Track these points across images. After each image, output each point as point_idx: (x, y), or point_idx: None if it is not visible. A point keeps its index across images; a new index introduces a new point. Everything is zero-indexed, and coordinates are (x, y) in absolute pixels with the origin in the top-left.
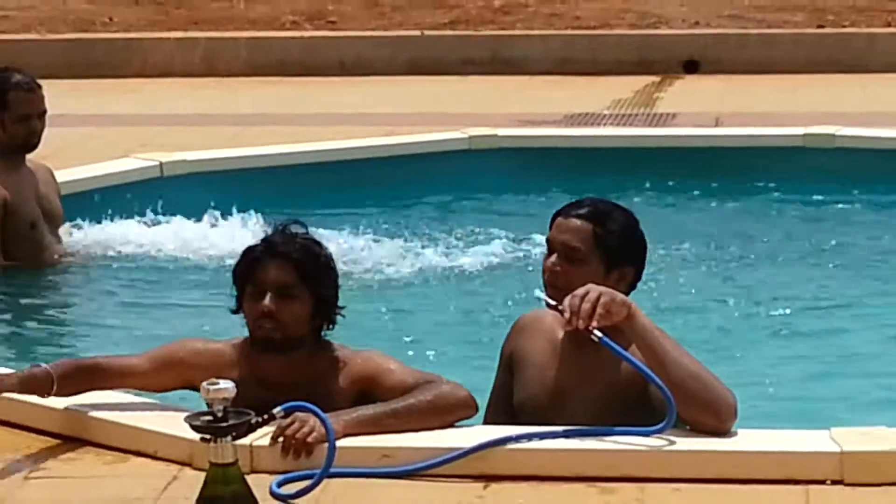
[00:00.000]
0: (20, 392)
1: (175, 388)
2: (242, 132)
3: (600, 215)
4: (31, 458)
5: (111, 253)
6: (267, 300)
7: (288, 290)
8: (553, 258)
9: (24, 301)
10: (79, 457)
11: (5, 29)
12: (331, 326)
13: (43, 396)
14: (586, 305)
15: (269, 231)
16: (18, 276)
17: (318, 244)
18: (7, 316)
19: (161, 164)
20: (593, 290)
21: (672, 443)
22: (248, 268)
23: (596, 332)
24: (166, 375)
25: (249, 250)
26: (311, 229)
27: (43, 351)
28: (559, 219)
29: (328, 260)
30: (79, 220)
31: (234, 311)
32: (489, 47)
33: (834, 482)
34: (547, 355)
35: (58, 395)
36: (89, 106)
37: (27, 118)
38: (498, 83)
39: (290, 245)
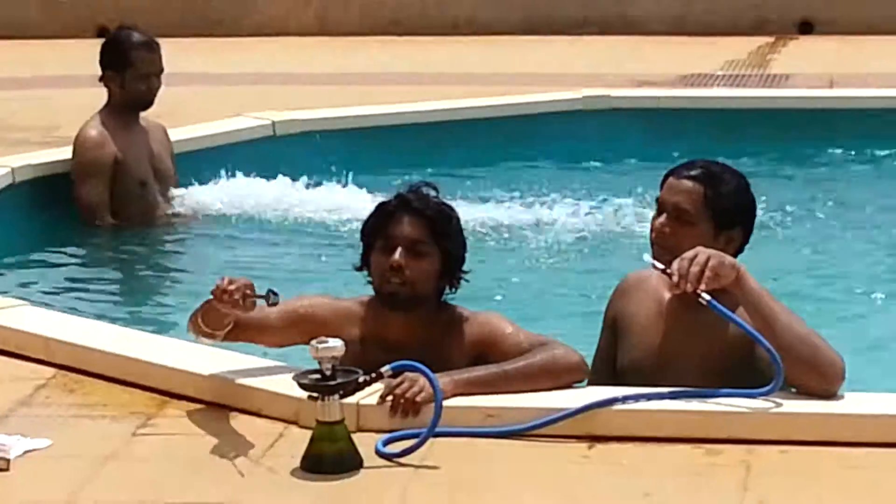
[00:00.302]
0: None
1: (298, 343)
2: (356, 92)
3: (712, 177)
4: (138, 414)
5: (221, 212)
6: (397, 255)
7: (419, 247)
8: (662, 218)
9: (132, 260)
10: (186, 414)
11: None
12: (454, 290)
13: (214, 330)
14: (695, 269)
15: (405, 188)
16: (126, 234)
17: (451, 206)
18: (115, 274)
19: (273, 122)
20: (702, 252)
21: (779, 405)
22: (380, 222)
23: (704, 295)
24: (293, 331)
25: (382, 205)
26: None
27: (150, 310)
28: (670, 179)
29: (459, 222)
30: (191, 179)
31: (358, 268)
32: (606, 7)
33: None
34: (652, 317)
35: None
36: (203, 65)
37: (147, 76)
38: (613, 43)
39: (424, 202)
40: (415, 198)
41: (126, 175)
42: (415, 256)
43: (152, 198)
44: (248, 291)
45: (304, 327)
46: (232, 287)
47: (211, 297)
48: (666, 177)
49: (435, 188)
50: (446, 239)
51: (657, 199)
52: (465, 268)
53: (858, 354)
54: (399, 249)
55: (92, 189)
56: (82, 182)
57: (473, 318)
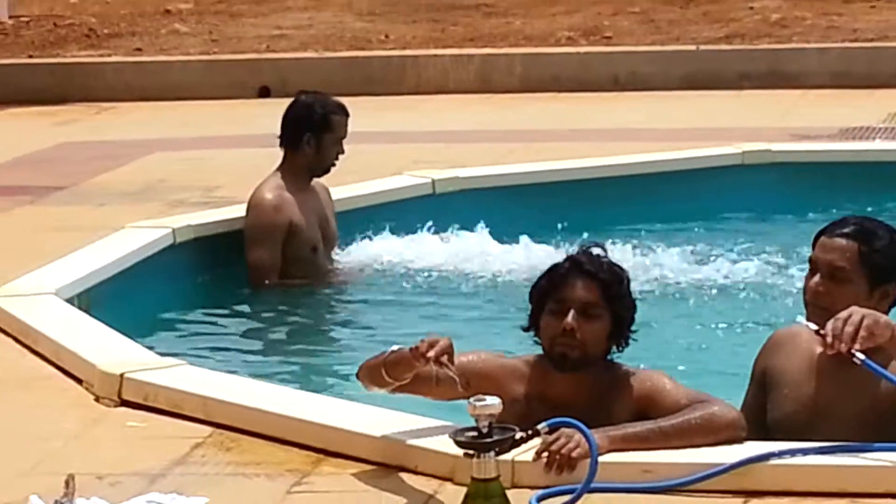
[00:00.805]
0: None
1: (464, 398)
2: (516, 149)
3: (865, 233)
4: (293, 472)
5: (382, 270)
6: (570, 317)
7: (591, 310)
8: (817, 278)
9: (292, 320)
10: (341, 472)
11: (283, 48)
12: (622, 349)
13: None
14: (849, 328)
15: (573, 251)
16: (288, 295)
17: (621, 268)
18: (275, 335)
19: (433, 181)
20: (856, 312)
21: None
22: (552, 284)
23: (858, 354)
24: (456, 387)
25: (554, 267)
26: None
27: (309, 369)
28: (823, 238)
29: (629, 284)
30: (353, 237)
31: (526, 329)
32: (765, 61)
33: None
34: (804, 373)
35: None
36: (364, 123)
37: (340, 141)
38: (774, 97)
39: (596, 265)
40: (586, 260)
41: (299, 240)
42: (587, 319)
43: (321, 261)
44: (448, 356)
45: (472, 383)
46: (434, 350)
47: (400, 348)
48: (818, 236)
49: (604, 248)
50: (617, 301)
51: (809, 259)
52: (633, 328)
53: None
54: (572, 312)
55: (265, 252)
56: (256, 244)
57: (636, 376)
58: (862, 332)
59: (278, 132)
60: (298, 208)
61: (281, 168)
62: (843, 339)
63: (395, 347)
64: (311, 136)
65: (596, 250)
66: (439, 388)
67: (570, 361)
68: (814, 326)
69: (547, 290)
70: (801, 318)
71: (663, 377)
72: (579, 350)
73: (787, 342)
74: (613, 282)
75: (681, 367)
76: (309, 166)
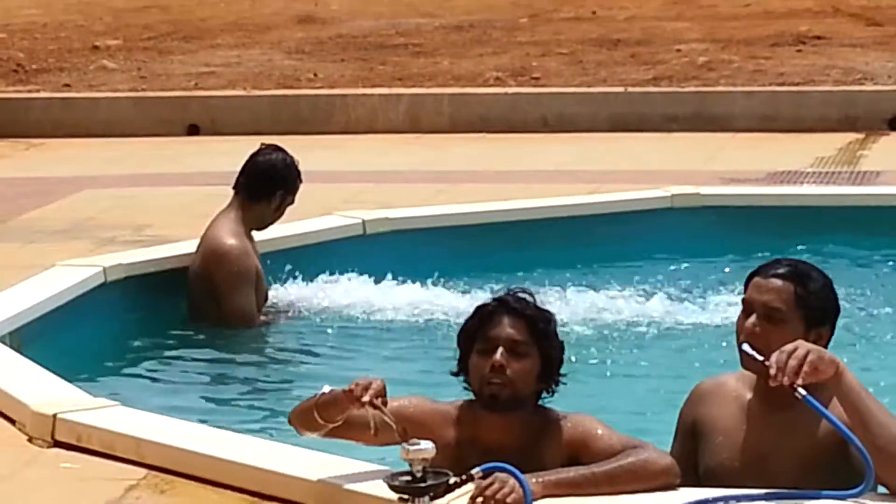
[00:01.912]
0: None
1: (395, 443)
2: (445, 189)
3: (801, 275)
4: None
5: (311, 311)
6: (498, 355)
7: (520, 347)
8: (752, 318)
9: (223, 361)
10: None
11: (212, 85)
12: (552, 393)
13: (327, 423)
14: (793, 362)
15: (502, 292)
16: (226, 335)
17: (548, 310)
18: (208, 376)
19: (364, 221)
20: (802, 346)
21: None
22: (480, 323)
23: (800, 390)
24: (390, 432)
25: (481, 307)
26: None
27: (241, 411)
28: (757, 279)
29: (556, 325)
30: (281, 278)
31: (455, 374)
32: (693, 103)
33: None
34: (736, 420)
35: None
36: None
37: (291, 204)
38: (701, 140)
39: (523, 304)
40: (513, 300)
41: (261, 286)
42: (516, 357)
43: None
44: (381, 398)
45: (412, 425)
46: (369, 392)
47: (332, 389)
48: (751, 276)
49: (530, 293)
50: (545, 340)
51: (743, 300)
52: (561, 371)
53: None
54: (500, 350)
55: (247, 297)
56: (236, 290)
57: (567, 420)
58: (805, 368)
59: (238, 176)
60: (255, 254)
61: (236, 214)
62: (787, 371)
63: (326, 389)
64: (286, 193)
65: (522, 294)
66: (373, 434)
67: (500, 401)
68: (760, 357)
69: (475, 331)
70: (748, 346)
71: (595, 422)
72: (509, 389)
73: (714, 391)
74: (541, 320)
75: (612, 411)
76: (262, 220)
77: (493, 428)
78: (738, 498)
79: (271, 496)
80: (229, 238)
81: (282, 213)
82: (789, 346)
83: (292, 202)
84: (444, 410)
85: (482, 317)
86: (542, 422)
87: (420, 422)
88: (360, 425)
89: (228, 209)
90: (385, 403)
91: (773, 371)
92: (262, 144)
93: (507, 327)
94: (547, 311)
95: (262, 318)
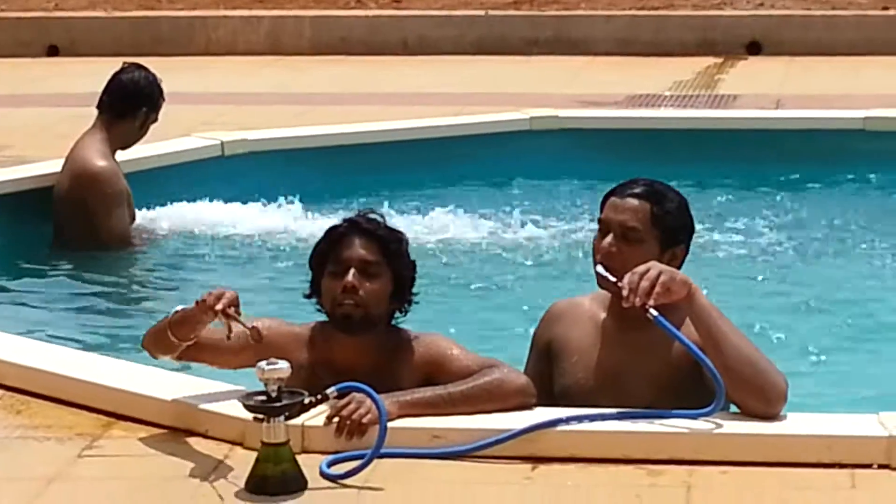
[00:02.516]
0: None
1: (249, 366)
2: (305, 112)
3: (657, 195)
4: (83, 435)
5: (170, 233)
6: (350, 276)
7: (371, 268)
8: (609, 238)
9: (83, 282)
10: (132, 435)
11: (72, 6)
12: (404, 313)
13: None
14: (645, 283)
15: (354, 214)
16: (77, 257)
17: (399, 230)
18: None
19: (222, 143)
20: (654, 267)
21: (720, 426)
22: (331, 245)
23: (651, 310)
24: (244, 355)
25: (332, 229)
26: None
27: (99, 332)
28: (613, 199)
29: (407, 245)
30: (141, 201)
31: (308, 296)
32: (553, 27)
33: (881, 466)
34: (591, 339)
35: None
36: None
37: (154, 122)
38: (561, 63)
39: (374, 224)
40: (364, 220)
41: (130, 206)
42: (367, 277)
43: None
44: (235, 308)
45: (255, 350)
46: (222, 301)
47: (184, 308)
48: (607, 196)
49: (381, 215)
50: (397, 260)
51: (599, 220)
52: (413, 290)
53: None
54: (352, 271)
55: (121, 218)
56: (110, 211)
57: (420, 341)
58: (657, 288)
59: (101, 95)
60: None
61: (102, 135)
62: (639, 292)
63: (179, 308)
64: (150, 110)
65: (373, 215)
66: (221, 355)
67: (353, 322)
68: (613, 278)
69: (326, 253)
70: (601, 268)
71: (450, 342)
72: (362, 309)
73: (568, 312)
74: (392, 240)
75: (466, 332)
76: (127, 139)
77: (346, 349)
78: (591, 417)
79: (126, 416)
80: (99, 160)
81: (146, 132)
82: (641, 268)
83: (156, 120)
84: (298, 332)
85: (333, 239)
86: (396, 342)
87: (274, 343)
88: (213, 346)
89: (93, 129)
90: (238, 313)
91: (625, 292)
92: (125, 63)
93: (358, 248)
94: (398, 232)
95: (134, 239)
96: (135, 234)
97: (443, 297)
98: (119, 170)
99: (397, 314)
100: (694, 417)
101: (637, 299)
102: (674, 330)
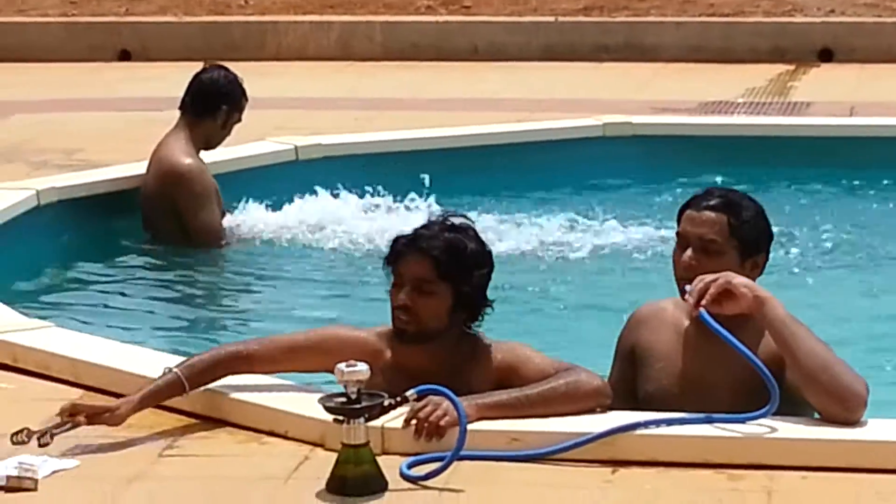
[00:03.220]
0: (153, 405)
1: (318, 371)
2: (376, 116)
3: (733, 206)
4: (165, 435)
5: (245, 237)
6: (403, 294)
7: (424, 286)
8: (688, 252)
9: (166, 282)
10: (213, 436)
11: (143, 11)
12: (478, 320)
13: (181, 396)
14: (700, 285)
15: (427, 219)
16: (158, 257)
17: (468, 239)
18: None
19: (296, 147)
20: (723, 276)
21: (801, 431)
22: (392, 258)
23: (701, 310)
24: (313, 360)
25: (396, 240)
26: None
27: (178, 332)
28: (690, 211)
29: (475, 255)
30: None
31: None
32: (623, 33)
33: None
34: (674, 346)
35: (193, 389)
36: None
37: (238, 122)
38: (632, 70)
39: (434, 241)
40: (427, 234)
41: (220, 201)
42: (421, 295)
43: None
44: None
45: (324, 357)
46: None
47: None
48: (683, 209)
49: (466, 217)
50: (455, 277)
51: (677, 233)
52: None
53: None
54: (405, 289)
55: (213, 214)
56: (202, 208)
57: (497, 347)
58: (712, 290)
59: (183, 96)
60: None
61: (185, 134)
62: (694, 294)
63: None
64: (231, 109)
65: (457, 219)
66: (294, 361)
67: (407, 335)
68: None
69: (388, 263)
70: (689, 287)
71: (525, 348)
72: (414, 325)
73: (653, 317)
74: (449, 257)
75: (545, 337)
76: (209, 138)
77: (416, 354)
78: (669, 421)
79: (207, 416)
80: (185, 157)
81: (229, 132)
82: (710, 276)
83: (239, 120)
84: (364, 339)
85: (394, 251)
86: (472, 348)
87: (341, 352)
88: (286, 353)
89: (175, 130)
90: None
91: (687, 296)
92: (206, 63)
93: (412, 265)
94: (463, 243)
95: (225, 236)
96: (226, 232)
97: (517, 304)
98: (205, 167)
99: (473, 321)
100: (743, 421)
101: (691, 299)
102: (720, 329)
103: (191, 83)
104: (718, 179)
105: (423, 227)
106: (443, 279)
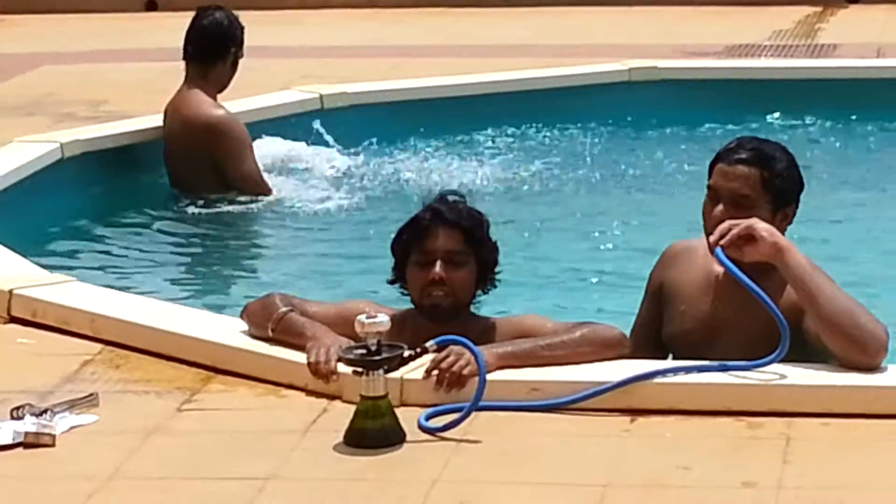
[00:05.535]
0: None
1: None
2: (402, 64)
3: (766, 158)
4: (184, 389)
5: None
6: (437, 267)
7: (457, 257)
8: (720, 207)
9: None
10: (231, 389)
11: None
12: (488, 291)
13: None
14: (723, 226)
15: (430, 200)
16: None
17: (480, 212)
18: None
19: (321, 96)
20: (747, 223)
21: (820, 377)
22: (416, 236)
23: (717, 248)
24: (341, 330)
25: (415, 219)
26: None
27: (198, 287)
28: (721, 165)
29: (488, 227)
30: None
31: (392, 282)
32: None
33: None
34: (701, 288)
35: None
36: (250, 37)
37: (241, 57)
38: (659, 13)
39: (457, 213)
40: (447, 209)
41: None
42: (454, 267)
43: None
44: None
45: (346, 330)
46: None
47: (287, 311)
48: (714, 162)
49: (461, 195)
50: (481, 246)
51: (709, 186)
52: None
53: None
54: (438, 262)
55: (254, 163)
56: (244, 158)
57: (512, 320)
58: (734, 231)
59: (185, 45)
60: None
61: (199, 83)
62: (716, 233)
63: (283, 309)
64: (237, 49)
65: (453, 197)
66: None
67: (442, 310)
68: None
69: (410, 243)
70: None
71: (536, 316)
72: (451, 298)
73: (684, 255)
74: (475, 227)
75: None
76: (222, 81)
77: (434, 334)
78: (688, 369)
79: (226, 370)
80: (213, 109)
81: (236, 69)
82: (738, 221)
83: (242, 55)
84: (391, 316)
85: (418, 228)
86: (483, 325)
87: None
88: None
89: (189, 82)
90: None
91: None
92: (199, 8)
93: (443, 239)
94: (479, 214)
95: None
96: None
97: (537, 250)
98: (235, 116)
99: (482, 293)
100: (751, 368)
101: (711, 238)
102: (732, 267)
103: (190, 30)
104: (744, 122)
105: (437, 203)
106: (472, 250)
